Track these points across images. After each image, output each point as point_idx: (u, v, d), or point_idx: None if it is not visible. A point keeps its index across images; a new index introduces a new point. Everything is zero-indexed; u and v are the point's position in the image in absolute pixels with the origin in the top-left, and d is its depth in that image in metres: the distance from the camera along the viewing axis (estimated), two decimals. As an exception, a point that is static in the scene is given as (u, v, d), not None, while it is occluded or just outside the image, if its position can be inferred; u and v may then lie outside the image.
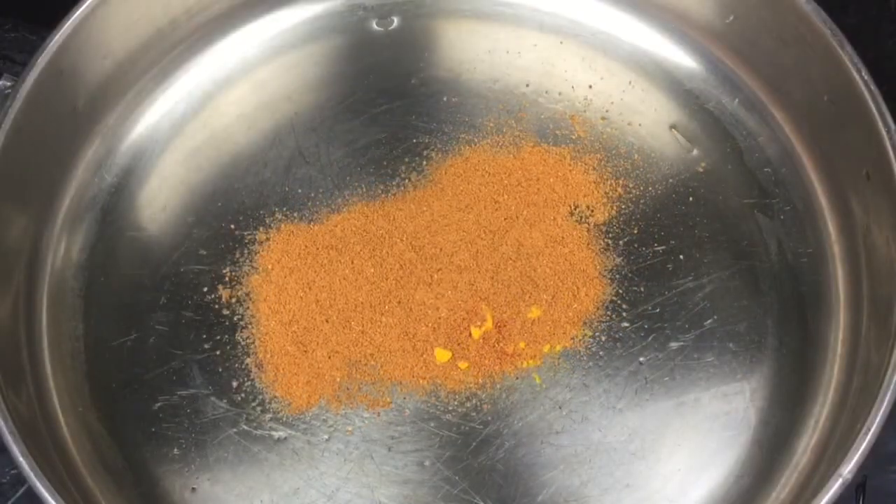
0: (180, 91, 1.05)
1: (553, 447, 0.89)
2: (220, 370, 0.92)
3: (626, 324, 0.93)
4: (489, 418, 0.90)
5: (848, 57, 0.90)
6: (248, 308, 0.94)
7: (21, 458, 0.79)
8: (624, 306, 0.94)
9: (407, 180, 1.00)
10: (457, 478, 0.88)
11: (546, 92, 1.04)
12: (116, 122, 1.02)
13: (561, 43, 1.06)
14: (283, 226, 0.98)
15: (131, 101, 1.03)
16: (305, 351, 0.92)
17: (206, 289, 0.95)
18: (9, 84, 0.92)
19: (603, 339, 0.92)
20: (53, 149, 0.97)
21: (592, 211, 0.97)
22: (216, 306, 0.94)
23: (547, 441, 0.89)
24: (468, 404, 0.90)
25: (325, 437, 0.89)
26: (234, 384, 0.91)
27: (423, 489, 0.88)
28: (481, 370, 0.91)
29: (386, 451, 0.89)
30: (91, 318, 0.95)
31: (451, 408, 0.90)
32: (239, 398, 0.91)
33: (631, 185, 0.99)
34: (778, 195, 0.99)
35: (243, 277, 0.95)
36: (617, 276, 0.95)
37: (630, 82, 1.04)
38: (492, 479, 0.88)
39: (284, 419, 0.90)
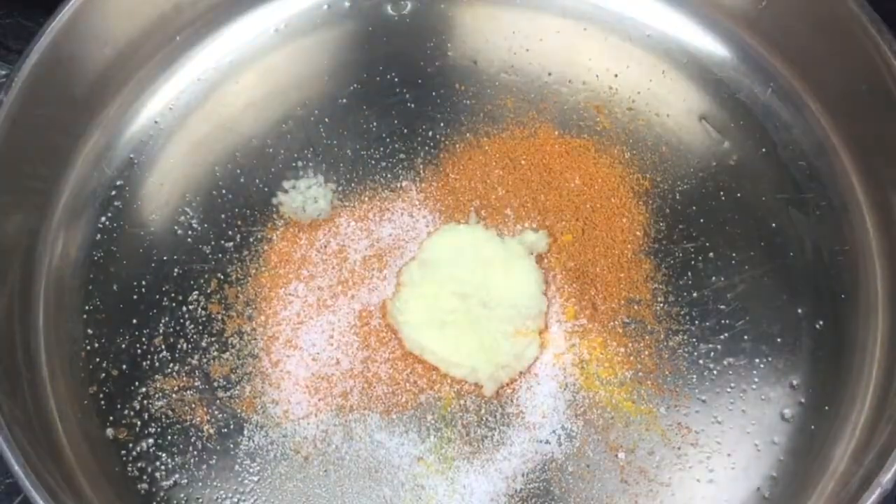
0: (184, 80, 1.03)
1: (571, 454, 0.86)
2: (227, 373, 0.89)
3: (652, 325, 0.90)
4: (506, 424, 0.87)
5: (887, 44, 0.88)
6: (254, 308, 0.91)
7: (17, 468, 0.76)
8: (651, 307, 0.91)
9: (423, 173, 0.97)
10: (474, 480, 0.85)
11: (569, 81, 1.01)
12: (117, 113, 1.00)
13: (584, 29, 1.04)
14: (291, 222, 0.95)
15: (133, 90, 1.01)
16: (316, 354, 0.89)
17: (210, 288, 0.92)
18: (4, 73, 0.91)
19: (628, 342, 0.89)
20: (51, 141, 0.95)
21: (619, 208, 0.95)
22: (221, 306, 0.91)
23: (565, 445, 0.86)
24: (482, 411, 0.87)
25: (334, 445, 0.86)
26: (241, 389, 0.88)
27: (445, 497, 0.85)
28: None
29: (402, 460, 0.86)
30: (90, 318, 0.92)
31: (471, 408, 0.87)
32: (246, 404, 0.88)
33: (658, 179, 0.96)
34: (813, 190, 0.96)
35: (250, 276, 0.93)
36: (643, 275, 0.92)
37: (658, 71, 1.02)
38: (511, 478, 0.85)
39: (294, 426, 0.87)
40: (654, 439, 0.86)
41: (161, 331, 0.91)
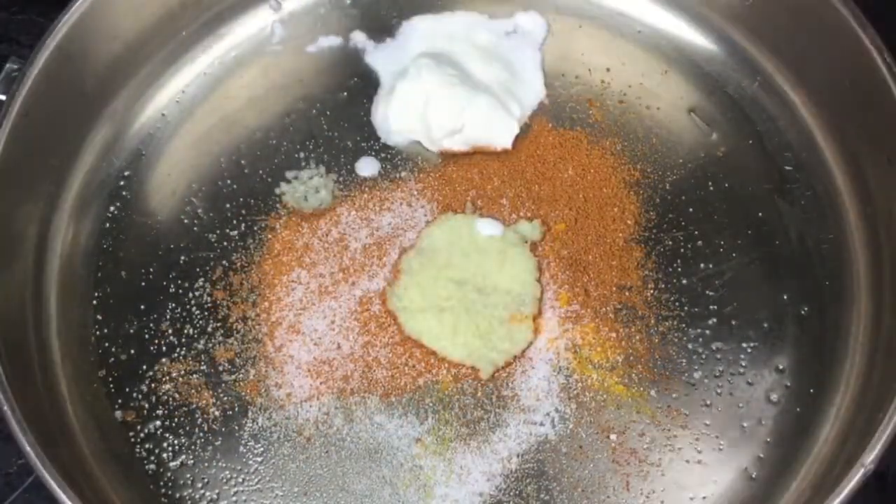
0: (190, 74, 1.04)
1: (564, 436, 0.87)
2: (232, 358, 0.91)
3: (642, 311, 0.91)
4: (501, 407, 0.88)
5: (870, 39, 0.89)
6: (258, 295, 0.93)
7: (28, 448, 0.78)
8: (642, 293, 0.92)
9: (421, 164, 0.98)
10: (470, 461, 0.87)
11: (562, 75, 1.02)
12: (125, 106, 1.01)
13: (579, 26, 1.04)
14: (294, 211, 0.96)
15: (140, 83, 1.02)
16: (318, 339, 0.91)
17: (215, 275, 0.94)
18: (16, 67, 0.91)
19: (620, 327, 0.91)
20: (61, 133, 0.96)
21: (611, 198, 0.96)
22: (226, 293, 0.93)
23: (559, 427, 0.88)
24: (478, 394, 0.89)
25: (336, 427, 0.88)
26: (245, 373, 0.90)
27: (446, 487, 0.86)
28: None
29: (402, 441, 0.87)
30: (100, 305, 0.94)
31: (468, 391, 0.89)
32: (250, 387, 0.90)
33: (649, 170, 0.97)
34: (798, 180, 0.97)
35: (253, 264, 0.94)
36: (634, 262, 0.93)
37: (648, 65, 1.03)
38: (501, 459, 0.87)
39: (296, 409, 0.89)
40: (645, 421, 0.88)
41: (168, 316, 0.92)
